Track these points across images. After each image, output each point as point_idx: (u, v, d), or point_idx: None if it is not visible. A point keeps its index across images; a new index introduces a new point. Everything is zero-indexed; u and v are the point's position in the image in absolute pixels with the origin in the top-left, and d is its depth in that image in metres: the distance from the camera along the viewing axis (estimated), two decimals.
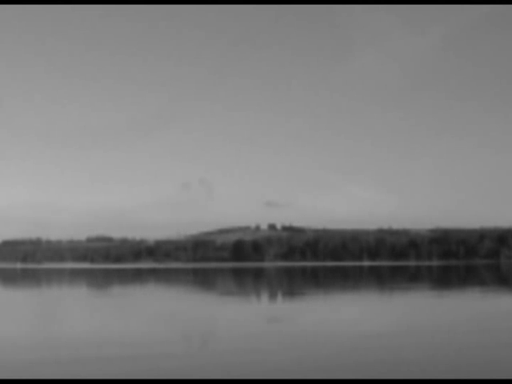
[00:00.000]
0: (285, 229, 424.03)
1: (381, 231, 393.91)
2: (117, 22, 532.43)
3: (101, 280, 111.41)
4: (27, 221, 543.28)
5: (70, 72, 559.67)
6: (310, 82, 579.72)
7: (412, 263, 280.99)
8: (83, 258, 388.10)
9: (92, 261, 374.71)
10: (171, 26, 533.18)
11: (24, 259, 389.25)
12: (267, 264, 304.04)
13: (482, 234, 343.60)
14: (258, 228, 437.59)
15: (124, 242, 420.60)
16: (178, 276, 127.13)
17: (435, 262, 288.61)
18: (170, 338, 27.00)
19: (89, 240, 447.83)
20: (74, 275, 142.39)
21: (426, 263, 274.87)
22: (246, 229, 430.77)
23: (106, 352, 22.75)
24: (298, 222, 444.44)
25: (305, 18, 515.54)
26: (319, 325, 31.56)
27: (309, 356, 21.23)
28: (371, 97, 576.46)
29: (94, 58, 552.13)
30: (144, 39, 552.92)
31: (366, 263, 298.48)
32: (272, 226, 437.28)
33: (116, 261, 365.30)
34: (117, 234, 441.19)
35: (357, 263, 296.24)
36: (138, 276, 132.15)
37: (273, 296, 60.64)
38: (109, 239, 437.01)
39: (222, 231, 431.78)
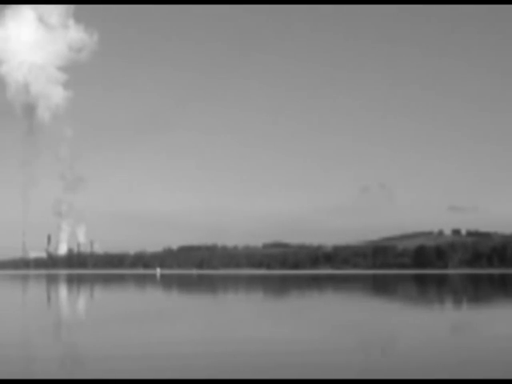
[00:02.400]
0: (470, 234, 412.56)
1: None
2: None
3: (278, 286, 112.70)
4: (203, 226, 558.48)
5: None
6: (490, 83, 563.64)
7: None
8: (259, 264, 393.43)
9: (268, 267, 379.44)
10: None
11: (200, 265, 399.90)
12: (451, 271, 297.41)
13: None
14: (440, 233, 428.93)
15: (301, 247, 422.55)
16: (357, 282, 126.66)
17: None
18: (347, 346, 26.98)
19: (265, 246, 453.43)
20: (251, 281, 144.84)
21: None
22: (428, 234, 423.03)
23: (283, 358, 23.05)
24: (484, 226, 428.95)
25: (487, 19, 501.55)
26: (505, 338, 30.51)
27: (489, 369, 20.61)
28: None
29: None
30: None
31: None
32: (456, 231, 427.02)
33: (293, 267, 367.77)
34: (294, 239, 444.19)
35: None
36: (316, 282, 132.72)
37: (457, 304, 59.25)
38: (285, 245, 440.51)
39: (403, 237, 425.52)
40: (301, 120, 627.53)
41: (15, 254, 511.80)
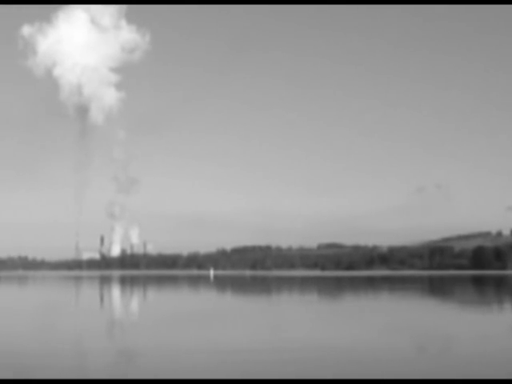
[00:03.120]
0: None
1: None
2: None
3: (332, 287, 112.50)
4: (257, 227, 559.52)
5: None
6: None
7: None
8: (314, 265, 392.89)
9: (323, 268, 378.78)
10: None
11: (253, 266, 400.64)
12: (510, 272, 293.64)
13: None
14: (499, 234, 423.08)
15: (356, 248, 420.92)
16: (413, 284, 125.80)
17: None
18: (403, 347, 26.92)
19: (320, 247, 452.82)
20: (305, 282, 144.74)
21: None
22: (486, 235, 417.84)
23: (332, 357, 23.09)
24: None
25: None
26: None
27: None
28: None
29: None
30: None
31: None
32: None
33: (347, 268, 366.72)
34: (348, 240, 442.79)
35: None
36: (371, 283, 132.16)
37: None
38: (340, 246, 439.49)
39: (460, 237, 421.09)
40: (355, 121, 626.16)
41: (68, 254, 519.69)
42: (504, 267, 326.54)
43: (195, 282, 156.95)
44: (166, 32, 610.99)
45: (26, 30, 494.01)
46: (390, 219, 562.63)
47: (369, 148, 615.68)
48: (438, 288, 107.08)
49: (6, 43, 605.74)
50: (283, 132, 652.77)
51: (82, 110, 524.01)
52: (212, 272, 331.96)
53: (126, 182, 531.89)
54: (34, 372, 20.15)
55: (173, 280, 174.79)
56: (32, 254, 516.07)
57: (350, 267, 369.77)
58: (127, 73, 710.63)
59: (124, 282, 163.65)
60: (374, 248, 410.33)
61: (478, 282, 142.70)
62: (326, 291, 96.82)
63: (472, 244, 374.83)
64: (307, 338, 29.98)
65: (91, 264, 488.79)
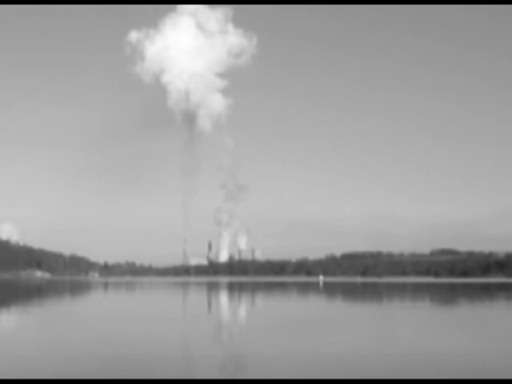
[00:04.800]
0: None
1: None
2: None
3: (446, 294, 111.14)
4: (368, 233, 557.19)
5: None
6: None
7: None
8: (426, 271, 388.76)
9: (436, 275, 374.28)
10: None
11: (364, 273, 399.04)
12: None
13: None
14: None
15: (471, 255, 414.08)
16: None
17: None
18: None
19: (433, 253, 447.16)
20: (417, 289, 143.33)
21: None
22: None
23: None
24: None
25: None
26: None
27: None
28: None
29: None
30: None
31: None
32: None
33: (462, 275, 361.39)
34: (463, 246, 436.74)
35: None
36: (487, 291, 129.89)
37: None
38: (454, 252, 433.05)
39: None
40: (468, 123, 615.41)
41: (176, 261, 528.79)
42: None
43: (304, 288, 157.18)
44: (273, 35, 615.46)
45: (134, 36, 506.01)
46: (507, 224, 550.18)
47: (484, 150, 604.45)
48: None
49: (114, 49, 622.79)
50: (394, 138, 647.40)
51: (190, 117, 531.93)
52: (321, 278, 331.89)
53: (234, 190, 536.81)
54: (142, 374, 20.92)
55: (282, 286, 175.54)
56: (139, 260, 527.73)
57: (464, 274, 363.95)
58: (234, 78, 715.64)
59: (232, 287, 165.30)
60: (491, 254, 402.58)
61: None
62: (439, 298, 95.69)
63: None
64: (416, 345, 30.01)
65: (199, 270, 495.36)
